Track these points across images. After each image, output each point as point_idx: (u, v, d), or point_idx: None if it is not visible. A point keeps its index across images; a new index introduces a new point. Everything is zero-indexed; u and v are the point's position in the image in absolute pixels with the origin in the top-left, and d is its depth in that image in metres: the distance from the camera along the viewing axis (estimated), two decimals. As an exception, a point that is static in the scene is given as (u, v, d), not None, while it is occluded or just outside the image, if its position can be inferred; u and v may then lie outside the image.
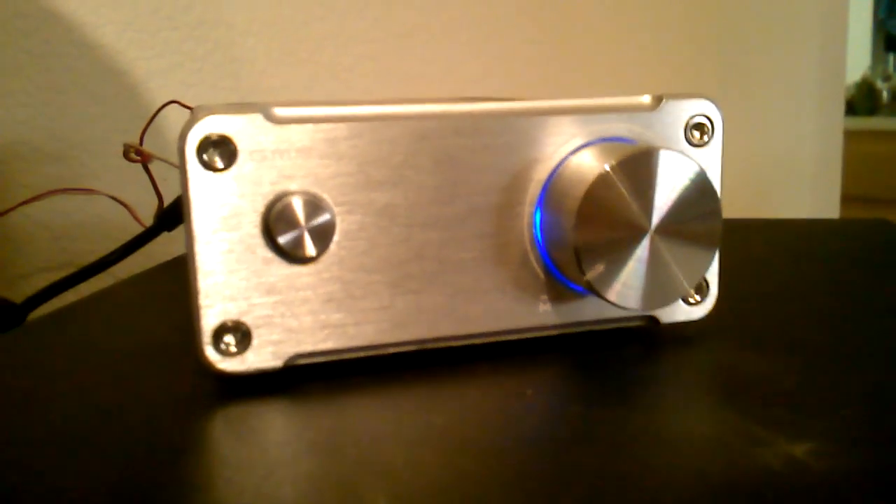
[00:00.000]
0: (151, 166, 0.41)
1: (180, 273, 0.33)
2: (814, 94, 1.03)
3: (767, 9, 0.95)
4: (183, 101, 0.56)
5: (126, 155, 0.40)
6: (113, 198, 0.45)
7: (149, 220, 0.41)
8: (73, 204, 0.51)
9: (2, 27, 0.48)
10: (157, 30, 0.54)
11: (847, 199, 1.14)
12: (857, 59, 2.01)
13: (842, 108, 1.09)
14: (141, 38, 0.54)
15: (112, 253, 0.35)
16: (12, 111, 0.49)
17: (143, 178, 0.42)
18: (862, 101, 1.95)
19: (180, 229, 0.38)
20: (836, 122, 1.08)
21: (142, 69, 0.54)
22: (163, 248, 0.41)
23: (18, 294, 0.51)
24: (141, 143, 0.40)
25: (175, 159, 0.39)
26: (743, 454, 0.16)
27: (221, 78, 0.58)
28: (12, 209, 0.45)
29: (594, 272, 0.20)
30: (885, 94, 2.01)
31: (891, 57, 2.20)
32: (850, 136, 1.12)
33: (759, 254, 0.36)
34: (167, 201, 0.41)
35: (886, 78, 2.08)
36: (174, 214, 0.35)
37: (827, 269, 0.33)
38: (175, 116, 0.42)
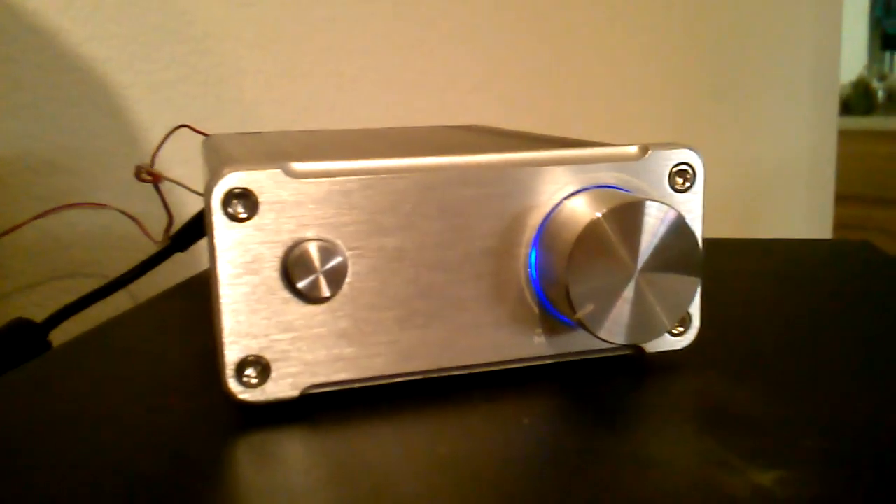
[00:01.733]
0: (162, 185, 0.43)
1: (194, 296, 0.36)
2: (808, 93, 1.05)
3: (760, 8, 0.97)
4: (187, 114, 0.57)
5: (138, 175, 0.42)
6: (123, 212, 0.47)
7: (156, 234, 0.43)
8: (81, 215, 0.53)
9: (14, 43, 0.50)
10: (163, 43, 0.56)
11: (843, 198, 1.16)
12: (854, 58, 2.02)
13: (836, 107, 1.11)
14: (146, 52, 0.55)
15: (128, 272, 0.37)
16: (23, 124, 0.51)
17: (149, 190, 0.43)
18: (858, 100, 1.97)
19: (192, 249, 0.40)
20: (831, 121, 1.09)
21: (148, 82, 0.55)
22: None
23: (26, 302, 0.52)
24: (152, 165, 0.42)
25: (184, 180, 0.41)
26: (714, 482, 0.18)
27: (226, 90, 0.60)
28: (26, 223, 0.47)
29: (585, 310, 0.22)
30: (880, 94, 2.02)
31: (887, 56, 2.22)
32: (845, 135, 1.13)
33: (742, 278, 0.38)
34: (177, 218, 0.43)
35: (882, 77, 2.10)
36: (187, 235, 0.37)
37: (809, 295, 0.35)
38: (189, 136, 0.44)
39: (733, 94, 0.95)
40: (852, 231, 1.58)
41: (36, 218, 0.47)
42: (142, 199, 0.48)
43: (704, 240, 0.24)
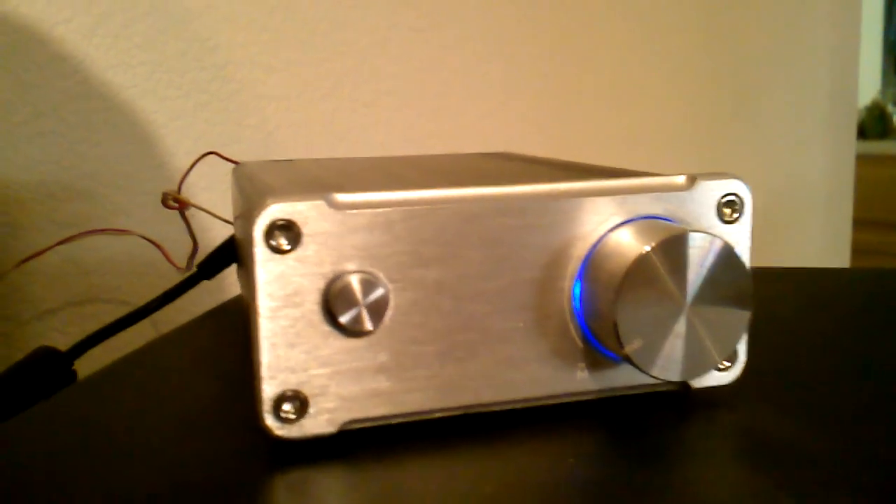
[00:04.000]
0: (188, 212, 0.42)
1: (221, 325, 0.35)
2: (825, 118, 1.04)
3: (779, 34, 0.97)
4: (208, 141, 0.57)
5: (164, 202, 0.41)
6: (146, 238, 0.47)
7: (178, 260, 0.42)
8: (103, 241, 0.52)
9: (38, 70, 0.50)
10: (185, 70, 0.56)
11: (859, 223, 1.15)
12: (868, 82, 2.02)
13: (854, 132, 1.10)
14: (170, 79, 0.55)
15: (154, 300, 0.36)
16: (46, 150, 0.51)
17: (171, 215, 0.43)
18: (873, 124, 1.96)
19: (218, 278, 0.39)
20: (848, 146, 1.09)
21: (170, 108, 0.56)
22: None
23: (47, 327, 0.52)
24: (179, 191, 0.41)
25: (209, 207, 0.41)
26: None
27: (247, 115, 0.60)
28: (49, 248, 0.46)
29: (633, 346, 0.22)
30: (895, 118, 2.01)
31: (902, 80, 2.20)
32: (860, 160, 1.13)
33: (778, 309, 0.37)
34: (201, 247, 0.42)
35: (897, 101, 2.09)
36: (214, 263, 0.36)
37: (844, 324, 0.34)
38: (212, 161, 0.44)
39: (751, 121, 0.95)
40: (870, 257, 1.56)
41: (59, 244, 0.47)
42: (164, 226, 0.48)
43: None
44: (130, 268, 0.54)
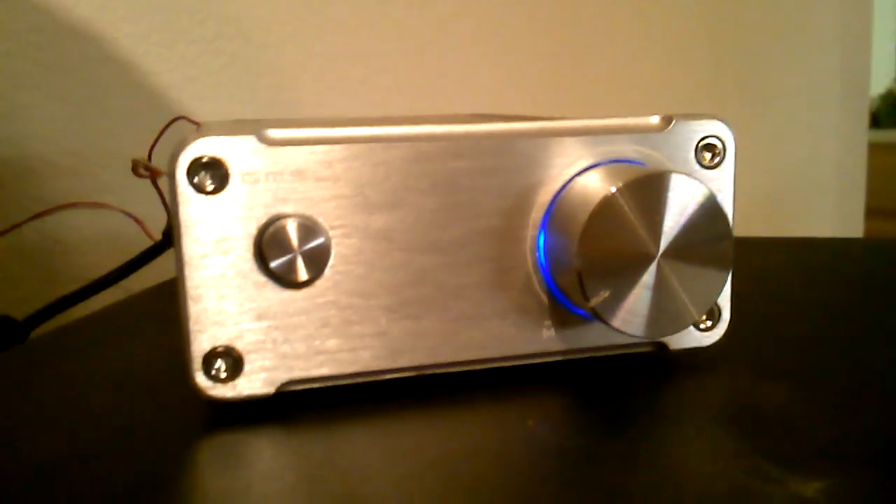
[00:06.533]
0: (161, 181, 0.41)
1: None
2: (837, 106, 1.02)
3: (788, 20, 0.94)
4: (196, 116, 0.56)
5: (135, 170, 0.40)
6: (125, 212, 0.45)
7: (159, 235, 0.41)
8: (85, 218, 0.51)
9: (17, 40, 0.48)
10: (174, 43, 0.54)
11: (872, 212, 1.12)
12: (882, 70, 1.98)
13: (866, 120, 1.08)
14: (157, 52, 0.54)
15: (114, 271, 0.35)
16: (27, 125, 0.49)
17: (154, 192, 0.41)
18: (887, 113, 1.92)
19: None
20: (861, 134, 1.06)
21: (157, 83, 0.54)
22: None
23: (30, 308, 0.51)
24: (149, 159, 0.40)
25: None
26: (752, 494, 0.15)
27: (237, 91, 0.58)
28: (24, 222, 0.45)
29: (599, 298, 0.20)
30: (909, 106, 1.97)
31: (916, 68, 2.16)
32: (874, 148, 1.10)
33: (776, 275, 0.35)
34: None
35: (911, 90, 2.04)
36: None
37: (845, 292, 0.32)
38: (187, 131, 0.42)
39: (760, 109, 0.92)
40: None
41: (33, 218, 0.45)
42: (144, 202, 0.46)
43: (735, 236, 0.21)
44: (114, 245, 0.52)
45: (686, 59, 0.84)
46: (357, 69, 0.63)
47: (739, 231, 0.23)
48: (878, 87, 1.90)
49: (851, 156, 1.05)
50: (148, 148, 0.50)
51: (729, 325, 0.23)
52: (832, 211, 1.04)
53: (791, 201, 0.98)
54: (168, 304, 0.32)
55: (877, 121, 1.87)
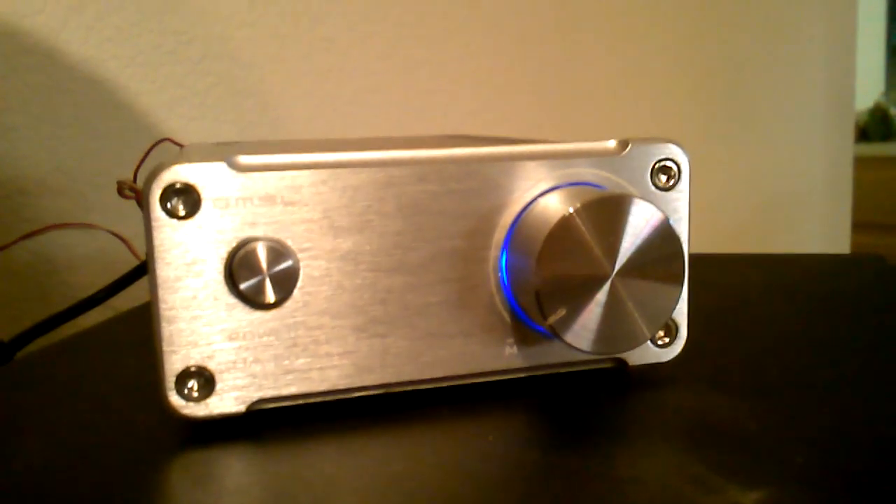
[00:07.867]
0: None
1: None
2: (822, 121, 1.03)
3: (774, 36, 0.95)
4: (183, 136, 0.56)
5: (120, 191, 0.40)
6: (112, 233, 0.46)
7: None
8: (74, 238, 0.52)
9: (5, 63, 0.49)
10: (160, 64, 0.55)
11: (861, 225, 1.13)
12: (871, 85, 2.00)
13: (852, 134, 1.09)
14: (144, 73, 0.55)
15: (100, 290, 0.35)
16: (16, 145, 0.50)
17: (140, 212, 0.42)
18: (875, 127, 1.94)
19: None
20: (847, 148, 1.07)
21: (144, 104, 0.55)
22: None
23: (18, 327, 0.51)
24: (135, 180, 0.40)
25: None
26: (688, 501, 0.16)
27: (223, 111, 0.59)
28: (13, 243, 0.45)
29: (556, 316, 0.21)
30: (898, 120, 1.99)
31: (904, 82, 2.18)
32: (863, 162, 1.11)
33: (741, 291, 0.36)
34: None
35: (900, 104, 2.06)
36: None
37: (809, 308, 0.33)
38: (172, 153, 0.43)
39: (745, 124, 0.93)
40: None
41: (23, 238, 0.46)
42: (134, 222, 0.47)
43: (704, 254, 0.22)
44: (104, 264, 0.53)
45: (672, 75, 0.86)
46: (344, 89, 0.64)
47: (727, 245, 0.24)
48: (866, 101, 1.92)
49: (837, 170, 1.06)
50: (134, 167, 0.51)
51: (689, 342, 0.24)
52: (818, 225, 1.05)
53: (778, 215, 0.99)
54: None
55: (865, 135, 1.89)
